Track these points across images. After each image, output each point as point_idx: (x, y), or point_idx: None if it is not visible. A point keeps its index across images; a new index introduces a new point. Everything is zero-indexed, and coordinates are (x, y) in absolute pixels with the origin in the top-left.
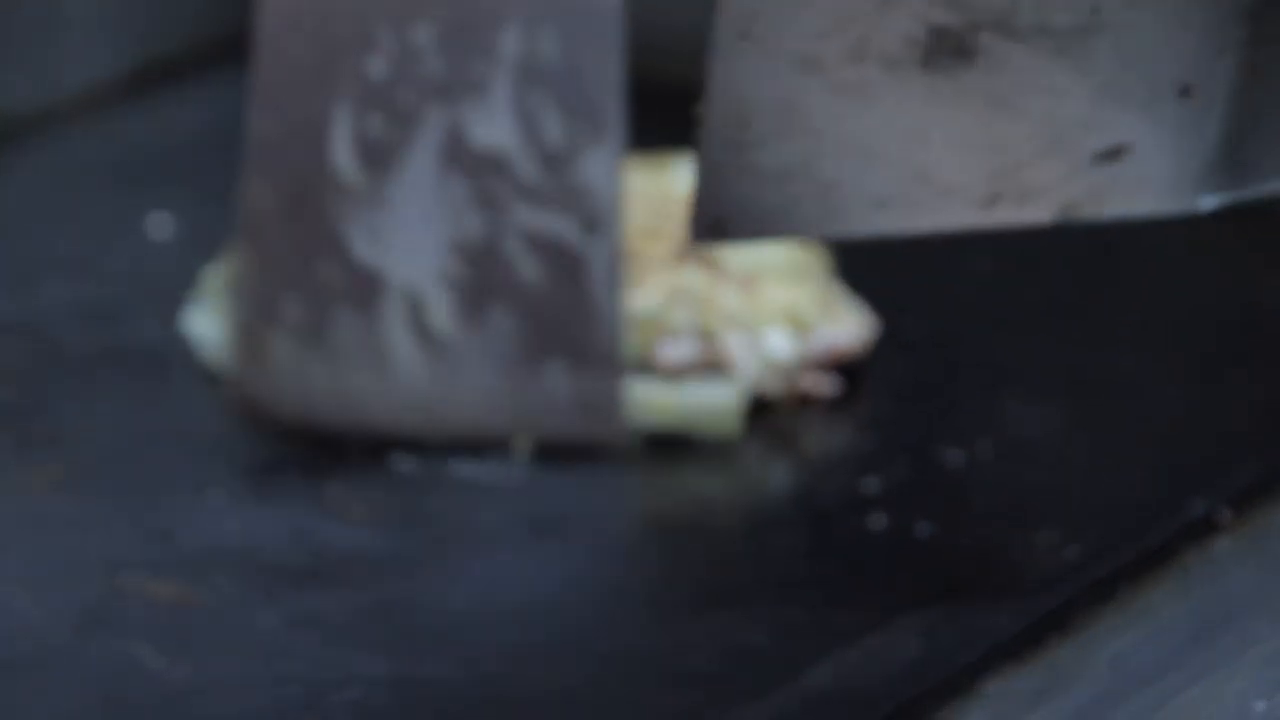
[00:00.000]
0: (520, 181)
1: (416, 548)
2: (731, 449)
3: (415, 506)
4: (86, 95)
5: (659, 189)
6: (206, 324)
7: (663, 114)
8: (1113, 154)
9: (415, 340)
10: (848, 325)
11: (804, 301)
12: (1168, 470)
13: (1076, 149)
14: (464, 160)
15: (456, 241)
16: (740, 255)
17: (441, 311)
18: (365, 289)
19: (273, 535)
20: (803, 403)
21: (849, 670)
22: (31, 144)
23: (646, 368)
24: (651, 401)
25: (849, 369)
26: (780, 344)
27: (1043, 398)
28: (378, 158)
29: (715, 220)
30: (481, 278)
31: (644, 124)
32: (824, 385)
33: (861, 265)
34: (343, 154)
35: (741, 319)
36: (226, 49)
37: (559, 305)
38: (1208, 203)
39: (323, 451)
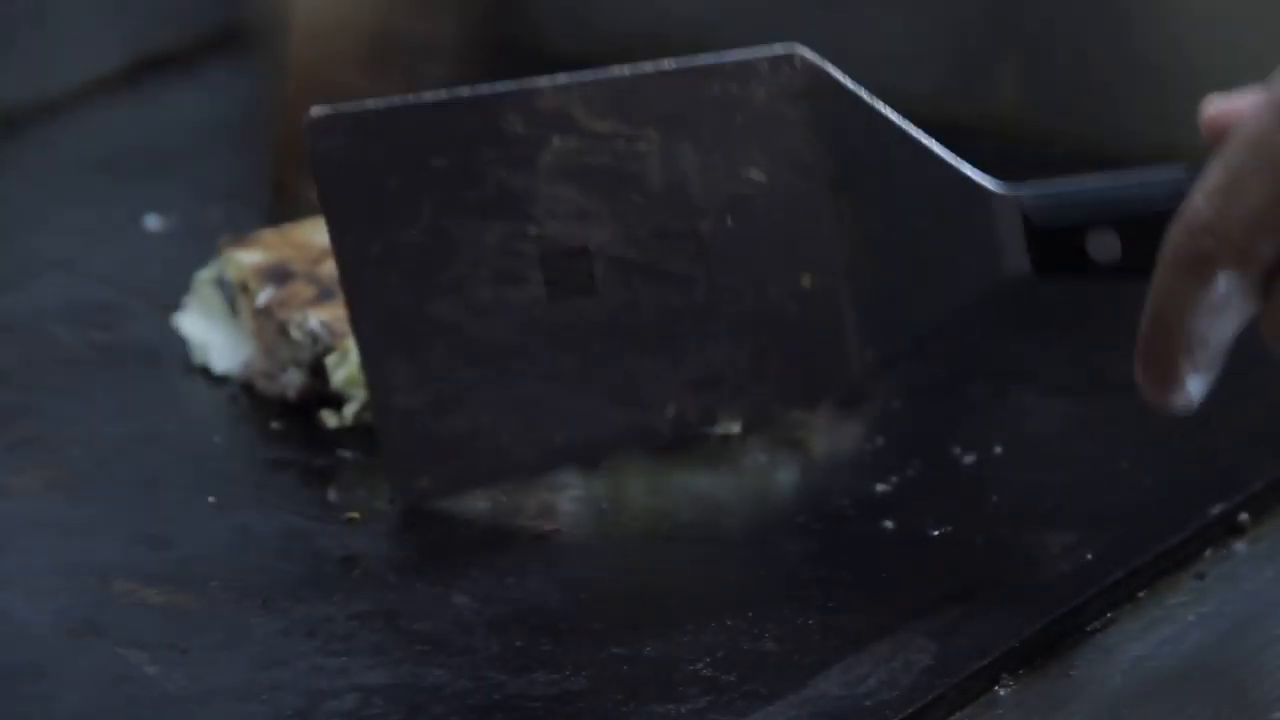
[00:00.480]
0: None
1: (416, 552)
2: (739, 449)
3: (414, 511)
4: (80, 90)
5: None
6: (197, 326)
7: None
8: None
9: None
10: None
11: None
12: (1185, 472)
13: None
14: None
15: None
16: None
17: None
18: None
19: (269, 540)
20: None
21: (859, 676)
22: (25, 139)
23: None
24: None
25: None
26: None
27: (1058, 398)
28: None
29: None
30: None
31: None
32: None
33: None
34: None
35: None
36: (222, 43)
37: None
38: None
39: (322, 454)
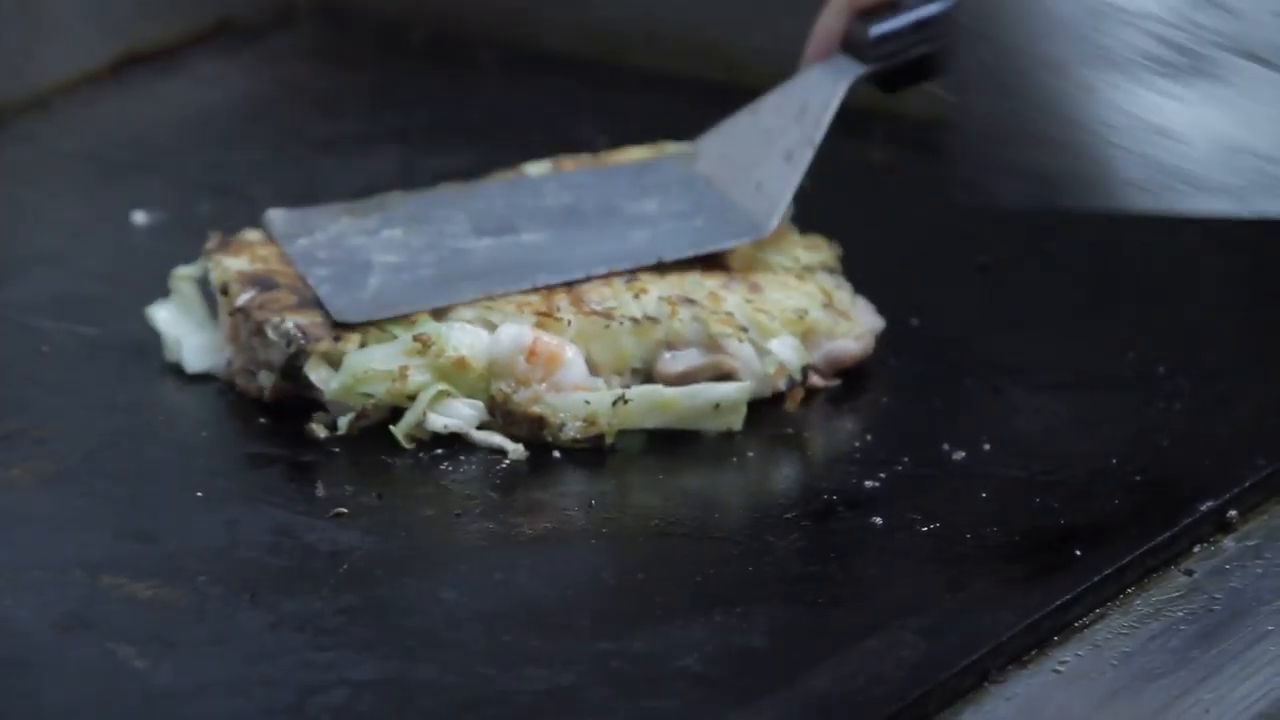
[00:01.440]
0: None
1: (405, 547)
2: (730, 446)
3: (404, 505)
4: (68, 84)
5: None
6: (171, 323)
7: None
8: None
9: None
10: (855, 329)
11: (811, 305)
12: (1174, 469)
13: None
14: None
15: None
16: (744, 257)
17: None
18: None
19: (257, 534)
20: (805, 400)
21: (849, 672)
22: (12, 133)
23: (650, 377)
24: (655, 401)
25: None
26: (787, 353)
27: (1047, 395)
28: None
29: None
30: None
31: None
32: (828, 383)
33: (861, 263)
34: None
35: (747, 324)
36: (209, 39)
37: None
38: None
39: (310, 449)
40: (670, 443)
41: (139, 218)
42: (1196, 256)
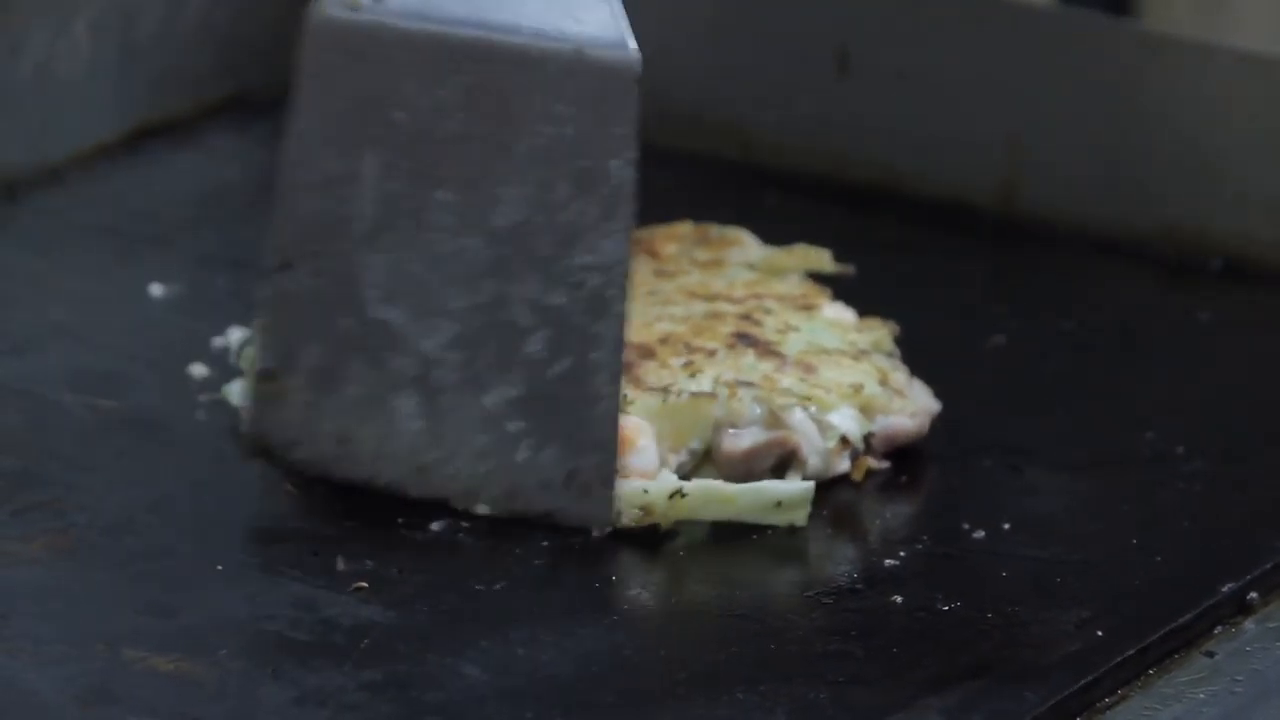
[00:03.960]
0: (533, 252)
1: (427, 622)
2: (748, 524)
3: (425, 579)
4: (83, 156)
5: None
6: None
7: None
8: None
9: (420, 398)
10: (910, 407)
11: (867, 381)
12: (1194, 550)
13: None
14: (480, 224)
15: (469, 306)
16: (797, 339)
17: (448, 373)
18: (378, 342)
19: (278, 608)
20: (861, 483)
21: None
22: (27, 206)
23: (711, 460)
24: (714, 496)
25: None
26: (848, 424)
27: (1066, 475)
28: (398, 213)
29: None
30: (489, 345)
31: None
32: (879, 464)
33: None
34: (365, 206)
35: (805, 401)
36: (224, 112)
37: (561, 382)
38: None
39: (331, 522)
40: (691, 522)
41: (155, 291)
42: (1214, 336)
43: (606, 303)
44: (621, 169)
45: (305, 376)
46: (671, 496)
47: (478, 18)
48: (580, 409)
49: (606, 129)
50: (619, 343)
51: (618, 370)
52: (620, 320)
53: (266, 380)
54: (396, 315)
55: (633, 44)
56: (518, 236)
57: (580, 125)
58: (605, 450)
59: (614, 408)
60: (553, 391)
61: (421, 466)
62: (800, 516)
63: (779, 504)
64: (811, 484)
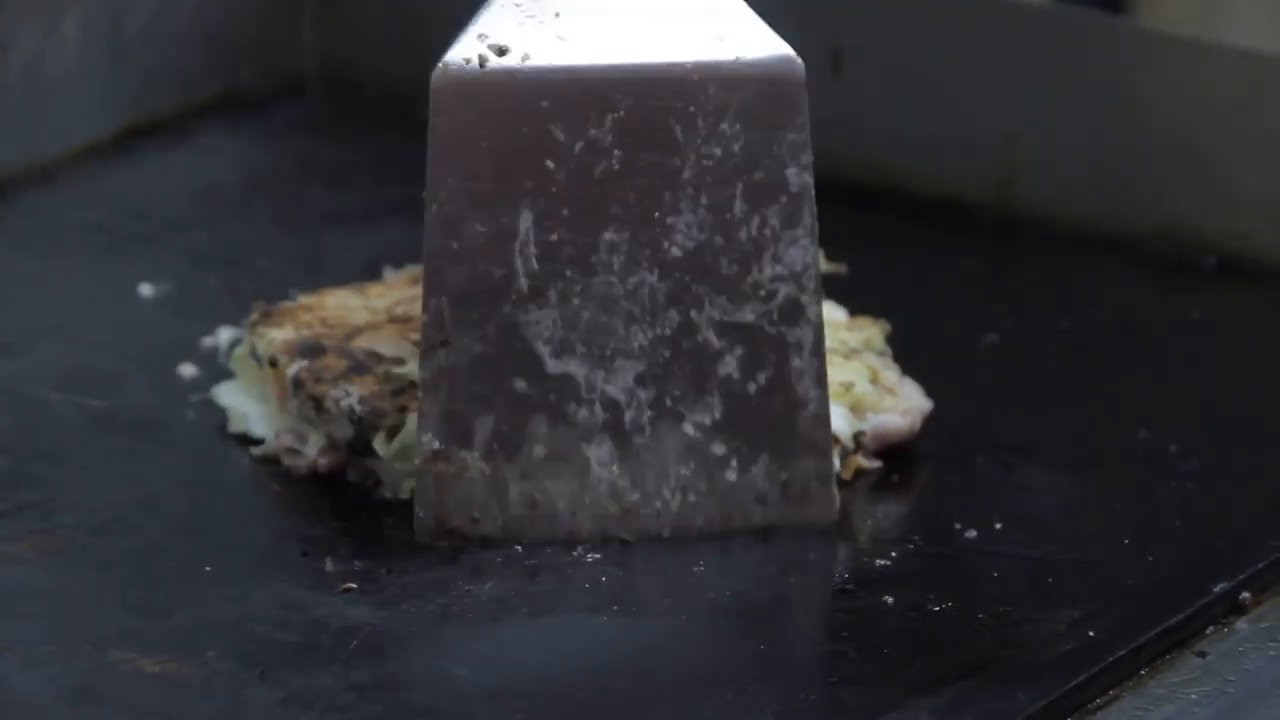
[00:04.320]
0: (715, 275)
1: (414, 623)
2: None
3: (413, 580)
4: (73, 155)
5: None
6: (236, 398)
7: None
8: None
9: (612, 444)
10: (902, 406)
11: (858, 380)
12: (1187, 550)
13: None
14: (654, 257)
15: (652, 341)
16: None
17: (639, 413)
18: (559, 397)
19: (266, 609)
20: (852, 482)
21: None
22: (17, 206)
23: None
24: None
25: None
26: (837, 422)
27: (1059, 474)
28: (562, 264)
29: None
30: (679, 375)
31: None
32: (870, 464)
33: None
34: (525, 263)
35: None
36: (215, 111)
37: (761, 396)
38: None
39: (320, 523)
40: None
41: (145, 290)
42: (1208, 335)
43: (801, 308)
44: (799, 175)
45: (483, 448)
46: None
47: (615, 51)
48: (786, 417)
49: (778, 139)
50: (818, 345)
51: (821, 373)
52: (816, 324)
53: (440, 460)
54: (575, 366)
55: (789, 49)
56: (696, 262)
57: (749, 139)
58: (820, 452)
59: (823, 410)
60: (753, 407)
61: (624, 511)
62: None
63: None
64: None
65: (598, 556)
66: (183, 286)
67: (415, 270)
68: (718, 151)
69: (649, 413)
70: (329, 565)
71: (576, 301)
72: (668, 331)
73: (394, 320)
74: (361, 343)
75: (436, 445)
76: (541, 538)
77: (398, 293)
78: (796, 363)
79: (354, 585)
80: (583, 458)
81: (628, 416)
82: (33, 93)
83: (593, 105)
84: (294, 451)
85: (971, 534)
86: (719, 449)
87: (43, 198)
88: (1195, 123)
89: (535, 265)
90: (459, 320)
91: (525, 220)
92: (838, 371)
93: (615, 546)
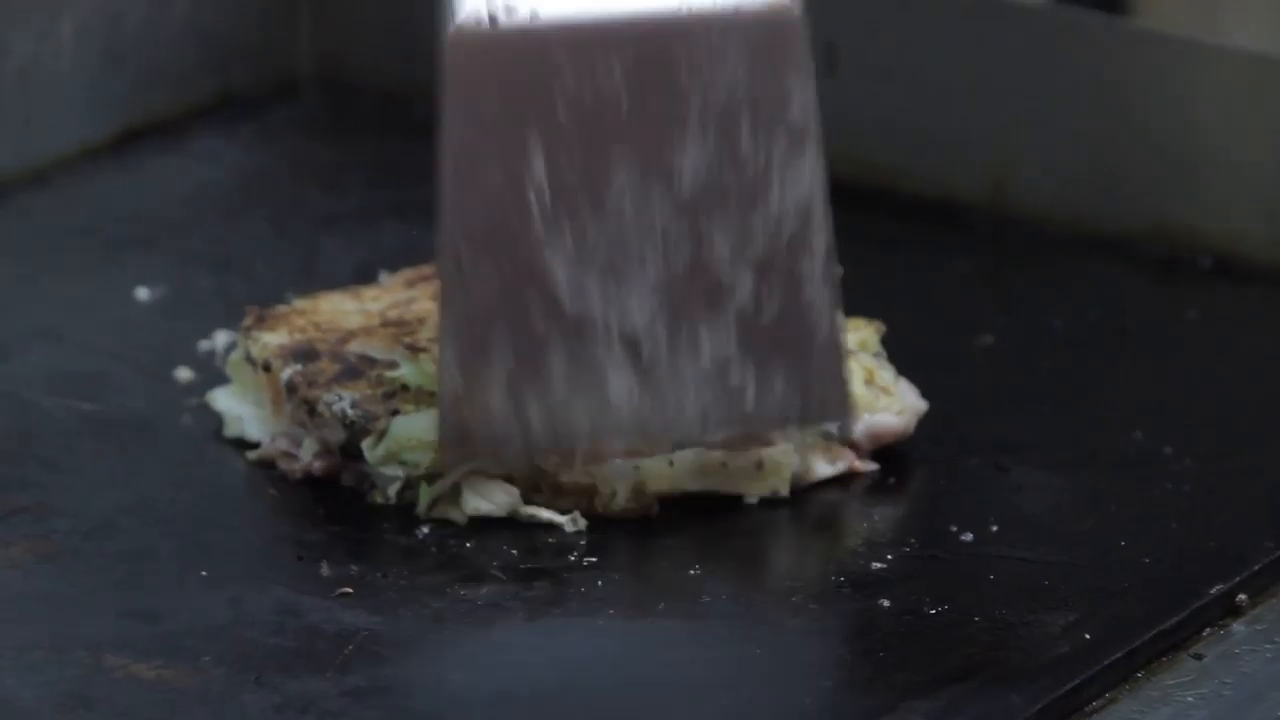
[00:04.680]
0: (724, 210)
1: (411, 627)
2: (733, 526)
3: (409, 584)
4: (68, 158)
5: None
6: (231, 403)
7: None
8: None
9: (632, 379)
10: (896, 405)
11: (855, 381)
12: (1183, 552)
13: None
14: (664, 196)
15: (666, 278)
16: None
17: (657, 347)
18: (575, 335)
19: (261, 614)
20: (846, 482)
21: None
22: (10, 208)
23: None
24: (701, 463)
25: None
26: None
27: (1055, 476)
28: (576, 206)
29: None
30: (694, 309)
31: None
32: (866, 467)
33: None
34: (539, 207)
35: None
36: (209, 113)
37: (775, 325)
38: None
39: (315, 527)
40: (678, 524)
41: (141, 293)
42: (1203, 334)
43: (807, 239)
44: (802, 110)
45: (504, 381)
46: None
47: (619, 2)
48: (800, 345)
49: (779, 79)
50: (826, 276)
51: (830, 301)
52: (822, 255)
53: (459, 398)
54: (591, 305)
55: None
56: (706, 199)
57: (753, 81)
58: (834, 379)
59: (836, 337)
60: (768, 337)
61: (641, 428)
62: (782, 485)
63: (760, 465)
64: (789, 445)
65: (594, 560)
66: (178, 290)
67: (410, 273)
68: (722, 95)
69: (665, 346)
70: (324, 570)
71: (591, 243)
72: (680, 268)
73: (387, 324)
74: (354, 347)
75: (457, 383)
76: (564, 455)
77: (392, 295)
78: (806, 291)
79: (350, 590)
80: (601, 392)
81: (644, 351)
82: (26, 95)
83: (600, 56)
84: (289, 456)
85: (967, 536)
86: (736, 379)
87: (36, 200)
88: (1191, 123)
89: (550, 209)
90: (476, 263)
91: (538, 168)
92: None
93: (611, 551)
